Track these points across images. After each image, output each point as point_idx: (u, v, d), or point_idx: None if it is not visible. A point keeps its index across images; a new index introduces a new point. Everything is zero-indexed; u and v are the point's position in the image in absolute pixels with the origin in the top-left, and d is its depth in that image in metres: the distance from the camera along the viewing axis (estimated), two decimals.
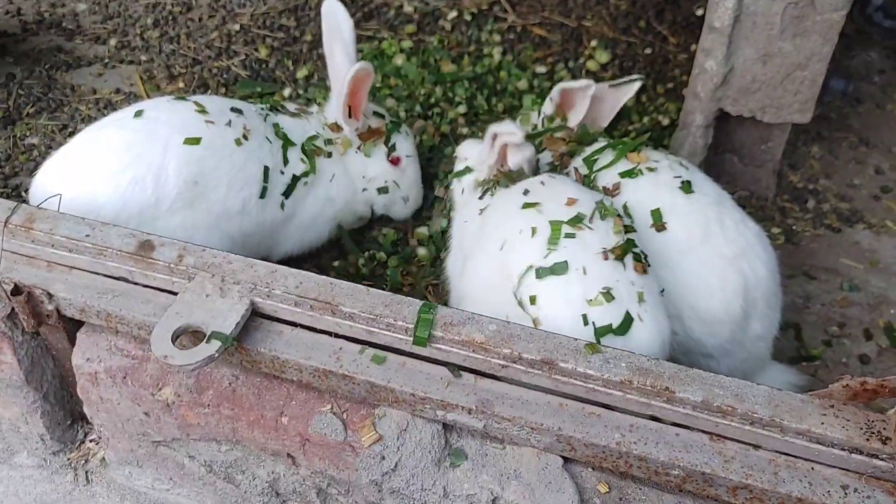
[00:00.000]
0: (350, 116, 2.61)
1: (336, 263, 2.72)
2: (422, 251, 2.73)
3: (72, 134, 3.26)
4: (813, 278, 2.86)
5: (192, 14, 4.06)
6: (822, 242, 3.00)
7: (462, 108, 3.32)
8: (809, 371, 2.52)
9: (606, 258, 1.88)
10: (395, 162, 2.74)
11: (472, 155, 2.53)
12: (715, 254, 2.09)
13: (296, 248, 2.64)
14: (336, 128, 2.63)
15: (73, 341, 2.07)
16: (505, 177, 2.32)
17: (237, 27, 3.92)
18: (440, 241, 2.69)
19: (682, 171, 2.22)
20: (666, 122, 3.32)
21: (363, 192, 2.74)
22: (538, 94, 3.41)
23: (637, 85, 2.67)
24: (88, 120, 3.33)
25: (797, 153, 3.34)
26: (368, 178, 2.72)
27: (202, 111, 2.36)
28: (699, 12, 4.11)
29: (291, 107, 2.68)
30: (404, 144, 2.77)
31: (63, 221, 2.00)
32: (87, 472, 2.30)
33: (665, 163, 2.25)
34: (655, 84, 3.57)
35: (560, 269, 1.86)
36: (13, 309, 2.02)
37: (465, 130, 3.23)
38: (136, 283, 1.97)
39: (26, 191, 3.02)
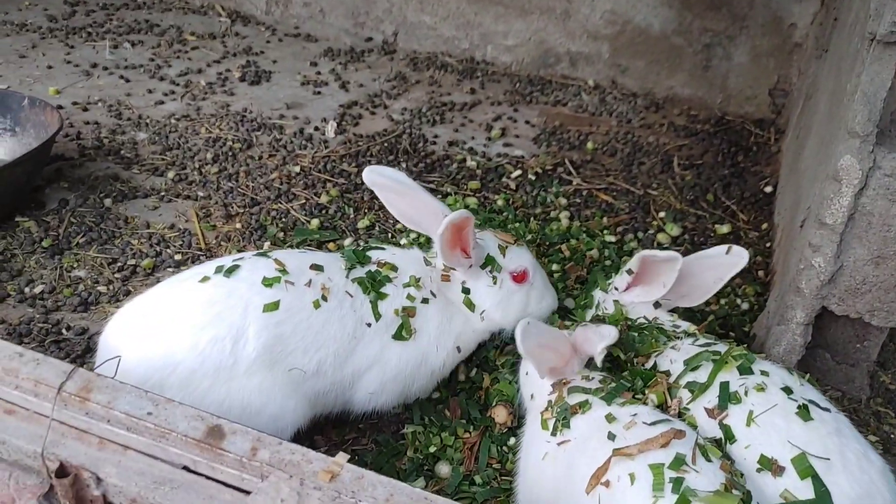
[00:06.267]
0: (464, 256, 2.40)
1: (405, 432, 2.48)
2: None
3: (121, 269, 3.11)
4: None
5: (251, 151, 4.00)
6: None
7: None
8: None
9: None
10: (520, 278, 2.47)
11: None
12: (837, 494, 1.83)
13: (383, 402, 2.43)
14: (446, 274, 2.45)
15: None
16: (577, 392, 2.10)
17: (297, 169, 3.84)
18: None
19: (796, 389, 1.99)
20: (745, 306, 3.14)
21: (481, 322, 2.49)
22: (609, 264, 3.25)
23: (743, 262, 2.42)
24: (140, 255, 3.18)
25: (885, 351, 3.14)
26: (491, 307, 2.46)
27: (282, 270, 2.26)
28: (767, 189, 4.03)
29: (388, 252, 2.51)
30: (522, 254, 2.51)
31: (124, 394, 1.78)
32: None
33: (776, 378, 2.03)
34: None
35: None
36: (52, 487, 1.78)
37: None
38: (199, 475, 1.73)
39: (68, 328, 2.85)
